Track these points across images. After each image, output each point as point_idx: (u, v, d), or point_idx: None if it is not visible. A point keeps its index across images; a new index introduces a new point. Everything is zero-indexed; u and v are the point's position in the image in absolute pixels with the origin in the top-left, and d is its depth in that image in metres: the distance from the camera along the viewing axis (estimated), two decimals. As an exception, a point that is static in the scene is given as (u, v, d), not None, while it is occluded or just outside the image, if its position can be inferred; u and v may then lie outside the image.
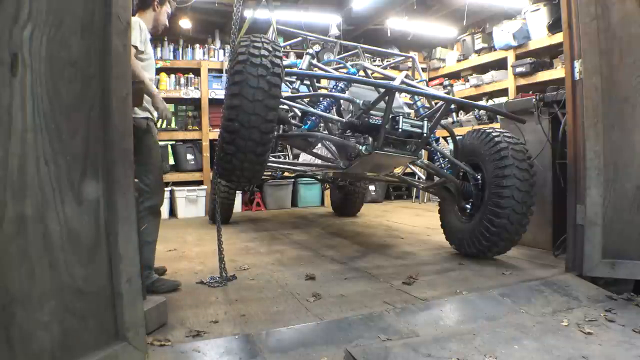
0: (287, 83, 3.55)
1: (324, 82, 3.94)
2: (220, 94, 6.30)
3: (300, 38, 4.45)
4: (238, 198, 6.19)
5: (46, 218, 1.36)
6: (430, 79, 7.65)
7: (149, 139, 2.60)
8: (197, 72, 6.48)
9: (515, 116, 3.29)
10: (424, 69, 7.08)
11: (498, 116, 5.15)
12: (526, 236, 3.13)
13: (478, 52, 6.91)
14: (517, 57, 6.06)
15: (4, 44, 1.25)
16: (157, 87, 6.23)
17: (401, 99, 3.78)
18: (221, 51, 6.68)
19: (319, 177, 4.68)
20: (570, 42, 2.66)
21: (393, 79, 3.86)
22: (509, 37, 5.97)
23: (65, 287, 1.41)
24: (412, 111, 3.79)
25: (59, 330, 1.38)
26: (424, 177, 4.31)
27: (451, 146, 3.58)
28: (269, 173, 4.78)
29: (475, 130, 3.36)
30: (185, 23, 6.45)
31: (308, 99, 3.42)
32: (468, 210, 3.32)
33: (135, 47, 2.50)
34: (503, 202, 2.93)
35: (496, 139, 3.09)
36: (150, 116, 2.63)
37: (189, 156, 6.40)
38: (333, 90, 3.38)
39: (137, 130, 2.29)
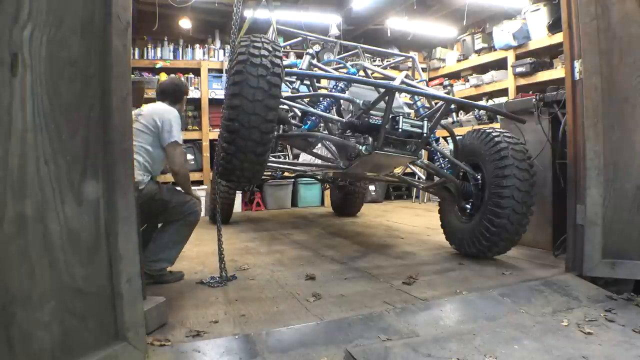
0: (287, 83, 3.55)
1: (324, 82, 3.94)
2: (220, 94, 6.30)
3: (300, 38, 4.45)
4: (238, 198, 6.19)
5: (46, 218, 1.36)
6: (430, 79, 7.65)
7: (162, 194, 2.73)
8: (197, 72, 6.48)
9: (515, 116, 3.29)
10: (424, 69, 7.08)
11: (498, 116, 5.15)
12: (526, 236, 3.13)
13: (478, 52, 6.91)
14: (517, 57, 6.06)
15: (4, 44, 1.25)
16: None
17: (401, 99, 3.78)
18: (221, 51, 6.68)
19: (319, 177, 4.68)
20: (570, 42, 2.66)
21: (393, 79, 3.86)
22: (509, 37, 5.98)
23: (65, 287, 1.41)
24: (412, 111, 3.78)
25: (59, 330, 1.38)
26: (424, 177, 4.31)
27: (451, 146, 3.58)
28: (269, 173, 4.78)
29: (475, 130, 3.36)
30: (185, 23, 6.45)
31: (308, 99, 3.42)
32: (468, 210, 3.32)
33: (178, 143, 2.77)
34: (503, 202, 2.93)
35: (496, 139, 3.09)
36: (151, 176, 2.75)
37: (189, 156, 6.40)
38: (333, 90, 3.38)
39: (153, 195, 2.67)
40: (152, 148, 2.74)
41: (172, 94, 3.01)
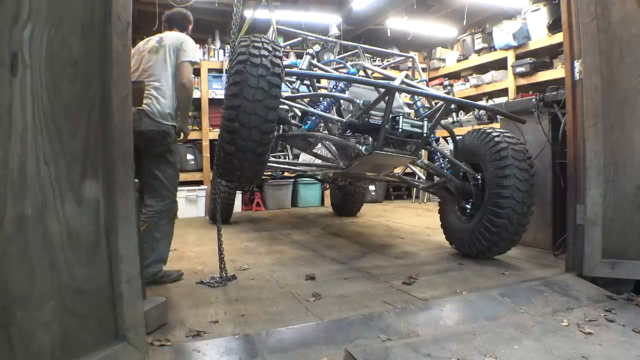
0: (287, 83, 3.55)
1: (324, 82, 3.94)
2: (220, 94, 6.29)
3: (300, 38, 4.45)
4: (238, 198, 6.19)
5: (46, 218, 1.36)
6: (430, 79, 7.65)
7: (173, 145, 2.82)
8: (197, 72, 6.46)
9: (515, 116, 3.29)
10: (424, 69, 7.08)
11: (498, 116, 5.15)
12: (526, 236, 3.13)
13: (478, 52, 6.91)
14: (517, 57, 6.06)
15: (4, 44, 1.25)
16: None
17: (401, 99, 3.78)
18: (221, 51, 6.68)
19: (319, 177, 4.68)
20: (570, 42, 2.66)
21: (393, 79, 3.86)
22: (509, 37, 5.98)
23: (65, 287, 1.41)
24: (412, 111, 3.79)
25: (59, 330, 1.38)
26: (424, 177, 4.30)
27: (451, 146, 3.58)
28: (269, 173, 4.78)
29: (475, 130, 3.36)
30: (185, 23, 6.45)
31: (308, 99, 3.42)
32: (468, 210, 3.32)
33: (193, 62, 2.89)
34: (503, 202, 2.93)
35: (496, 139, 3.09)
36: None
37: (189, 156, 6.39)
38: (333, 90, 3.38)
39: (169, 136, 2.76)
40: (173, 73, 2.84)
41: (181, 22, 3.13)
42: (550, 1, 5.43)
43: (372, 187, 7.41)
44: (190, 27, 3.24)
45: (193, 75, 6.40)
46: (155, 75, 2.78)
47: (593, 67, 2.52)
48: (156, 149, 2.71)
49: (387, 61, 6.82)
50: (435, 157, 3.54)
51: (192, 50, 2.89)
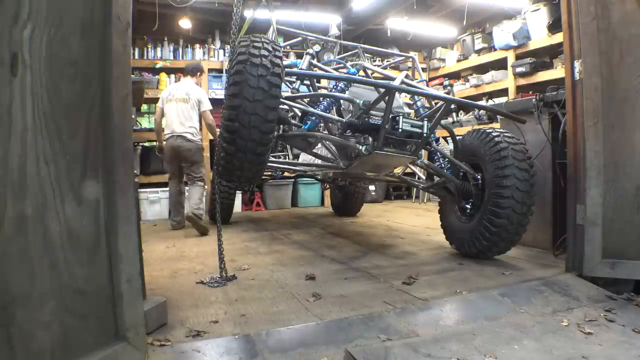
0: (287, 83, 3.55)
1: (324, 82, 3.94)
2: (220, 94, 6.29)
3: (300, 38, 4.45)
4: (238, 198, 6.18)
5: (46, 218, 1.36)
6: (430, 79, 7.65)
7: (202, 152, 4.87)
8: (196, 72, 6.48)
9: (515, 116, 3.28)
10: (424, 69, 7.09)
11: (498, 116, 5.15)
12: (526, 236, 3.13)
13: (478, 52, 6.91)
14: (517, 57, 6.06)
15: (4, 44, 1.25)
16: (157, 87, 6.30)
17: (401, 99, 3.78)
18: (221, 51, 6.68)
19: (319, 177, 4.68)
20: (570, 42, 2.66)
21: (393, 79, 3.86)
22: (509, 37, 5.98)
23: (65, 287, 1.41)
24: (412, 111, 3.79)
25: (59, 330, 1.38)
26: (424, 177, 4.30)
27: (451, 146, 3.58)
28: (269, 173, 4.78)
29: (475, 130, 3.36)
30: (185, 23, 6.45)
31: (308, 99, 3.42)
32: (468, 210, 3.31)
33: (210, 109, 4.89)
34: (503, 202, 2.93)
35: (496, 139, 3.09)
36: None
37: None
38: (333, 90, 3.37)
39: (201, 149, 4.85)
40: (198, 117, 4.80)
41: (192, 71, 4.94)
42: (550, 1, 5.43)
43: (372, 187, 7.41)
44: (199, 74, 5.01)
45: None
46: (192, 118, 4.73)
47: (593, 67, 2.52)
48: (195, 157, 4.74)
49: (387, 61, 6.82)
50: (435, 157, 3.54)
51: (208, 102, 4.87)
